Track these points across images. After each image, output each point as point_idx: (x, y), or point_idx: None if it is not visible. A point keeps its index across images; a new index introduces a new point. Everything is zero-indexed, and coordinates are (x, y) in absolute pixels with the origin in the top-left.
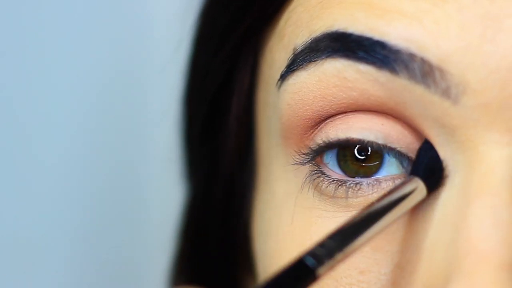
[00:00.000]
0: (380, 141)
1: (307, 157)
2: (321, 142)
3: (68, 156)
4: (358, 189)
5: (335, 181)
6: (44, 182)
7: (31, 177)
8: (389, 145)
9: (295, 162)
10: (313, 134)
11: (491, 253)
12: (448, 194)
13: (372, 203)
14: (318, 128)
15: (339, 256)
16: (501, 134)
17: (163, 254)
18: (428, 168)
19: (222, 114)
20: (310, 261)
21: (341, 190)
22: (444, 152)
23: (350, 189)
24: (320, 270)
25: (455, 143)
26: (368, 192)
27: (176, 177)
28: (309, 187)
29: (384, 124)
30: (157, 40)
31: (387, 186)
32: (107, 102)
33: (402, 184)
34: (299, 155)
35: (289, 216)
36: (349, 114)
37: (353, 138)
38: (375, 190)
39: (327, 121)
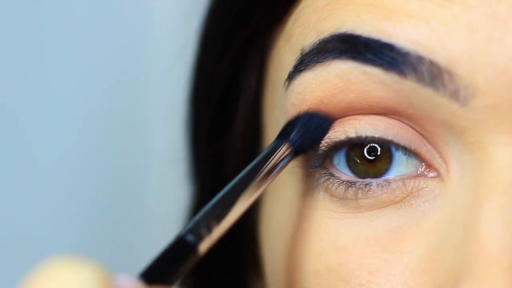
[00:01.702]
0: (390, 138)
1: (316, 160)
2: (330, 142)
3: (71, 157)
4: (368, 190)
5: (344, 183)
6: (47, 182)
7: (32, 178)
8: (395, 140)
9: (304, 164)
10: None
11: (502, 254)
12: (457, 194)
13: (241, 172)
14: None
15: (216, 229)
16: (510, 135)
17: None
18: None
19: (228, 115)
20: (190, 238)
21: (351, 191)
22: (451, 152)
23: (360, 190)
24: (202, 246)
25: (464, 144)
26: (378, 192)
27: (181, 178)
28: (319, 189)
29: (389, 123)
30: (161, 41)
31: (396, 186)
32: (110, 103)
33: (268, 148)
34: (308, 157)
35: (298, 218)
36: (352, 116)
37: (360, 136)
38: (385, 190)
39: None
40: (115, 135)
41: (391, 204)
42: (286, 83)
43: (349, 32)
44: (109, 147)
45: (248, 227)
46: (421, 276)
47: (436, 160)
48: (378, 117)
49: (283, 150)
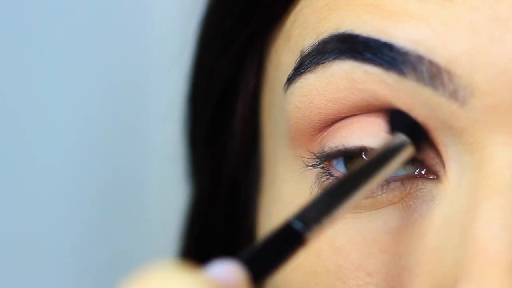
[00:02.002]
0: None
1: (317, 160)
2: (335, 148)
3: (71, 156)
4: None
5: (338, 178)
6: (47, 182)
7: (32, 177)
8: None
9: (304, 164)
10: (323, 137)
11: (500, 255)
12: (455, 195)
13: (357, 166)
14: (329, 132)
15: (326, 220)
16: (509, 136)
17: (167, 255)
18: (407, 125)
19: (227, 115)
20: (298, 225)
21: None
22: (450, 152)
23: None
24: (308, 235)
25: (463, 144)
26: (377, 193)
27: (179, 178)
28: (318, 188)
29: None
30: (160, 41)
31: (395, 186)
32: (110, 103)
33: (388, 142)
34: (308, 158)
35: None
36: (357, 116)
37: (365, 147)
38: (384, 190)
39: (339, 122)
40: (115, 134)
41: (389, 205)
42: (286, 85)
43: (348, 32)
44: (109, 147)
45: (246, 227)
46: (419, 277)
47: (435, 162)
48: (381, 118)
49: (403, 147)
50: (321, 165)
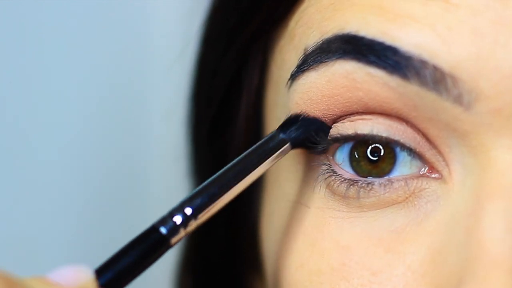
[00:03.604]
0: (396, 138)
1: (319, 155)
2: (333, 134)
3: (72, 156)
4: (370, 189)
5: (346, 180)
6: (48, 182)
7: (32, 177)
8: (401, 141)
9: (307, 161)
10: None
11: (503, 257)
12: (460, 196)
13: (230, 163)
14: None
15: (193, 224)
16: None
17: (168, 254)
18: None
19: (230, 113)
20: (163, 230)
21: (353, 190)
22: (454, 155)
23: (361, 189)
24: (173, 239)
25: (466, 147)
26: (380, 192)
27: (181, 176)
28: (320, 186)
29: (396, 124)
30: (162, 40)
31: (399, 186)
32: (111, 101)
33: (264, 139)
34: (309, 155)
35: (300, 216)
36: (357, 115)
37: (365, 134)
38: (387, 190)
39: (338, 120)
40: (116, 133)
41: (393, 204)
42: (289, 83)
43: (353, 33)
44: (111, 145)
45: (249, 226)
46: (423, 277)
47: (439, 163)
48: (385, 117)
49: (277, 143)
50: (324, 161)
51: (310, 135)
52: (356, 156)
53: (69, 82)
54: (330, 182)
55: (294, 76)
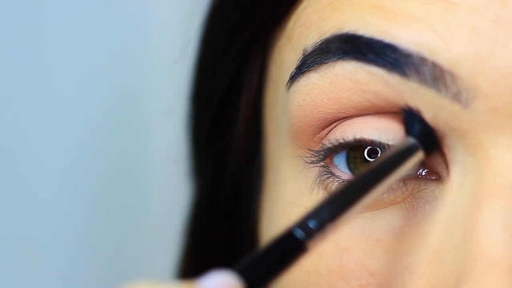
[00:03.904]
0: (391, 143)
1: (318, 156)
2: (335, 142)
3: (72, 156)
4: None
5: (345, 182)
6: (48, 182)
7: (32, 177)
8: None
9: (305, 162)
10: (325, 134)
11: (502, 257)
12: (458, 196)
13: (364, 170)
14: (331, 129)
15: (330, 227)
16: (511, 138)
17: (169, 255)
18: (421, 130)
19: (230, 113)
20: (299, 233)
21: None
22: (452, 154)
23: None
24: (310, 243)
25: (465, 146)
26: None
27: (182, 177)
28: (319, 187)
29: (393, 126)
30: (161, 40)
31: (397, 186)
32: (111, 102)
33: (398, 146)
34: (309, 155)
35: (298, 216)
36: (362, 117)
37: (365, 139)
38: (386, 191)
39: (340, 122)
40: (116, 134)
41: (392, 205)
42: (288, 84)
43: (352, 32)
44: (111, 146)
45: (248, 227)
46: (421, 278)
47: (438, 164)
48: (383, 119)
49: (410, 153)
50: (322, 163)
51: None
52: (354, 158)
53: (68, 82)
54: (328, 184)
55: (294, 77)
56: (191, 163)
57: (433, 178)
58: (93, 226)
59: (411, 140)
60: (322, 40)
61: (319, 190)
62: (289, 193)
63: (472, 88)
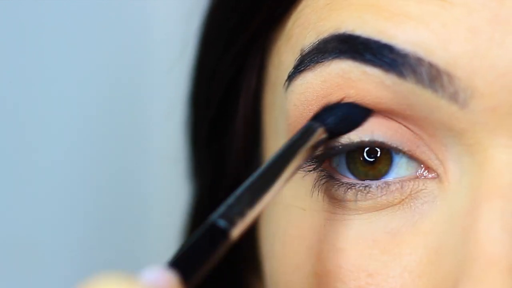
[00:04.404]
0: (390, 142)
1: (315, 164)
2: (329, 148)
3: (72, 157)
4: (367, 192)
5: (344, 185)
6: (48, 182)
7: (32, 178)
8: (398, 146)
9: (302, 169)
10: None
11: (500, 257)
12: (456, 196)
13: (272, 156)
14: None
15: (250, 213)
16: (509, 138)
17: (168, 255)
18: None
19: (229, 115)
20: (222, 223)
21: (350, 193)
22: (450, 154)
23: (359, 192)
24: (234, 231)
25: (463, 146)
26: (377, 194)
27: (181, 178)
28: (318, 190)
29: (389, 126)
30: (161, 41)
31: (395, 188)
32: (111, 103)
33: (298, 132)
34: (306, 164)
35: (297, 218)
36: None
37: (364, 141)
38: (384, 192)
39: None
40: (116, 134)
41: (389, 206)
42: (286, 84)
43: (349, 32)
44: (110, 147)
45: (247, 227)
46: (420, 278)
47: (434, 162)
48: (378, 119)
49: (317, 132)
50: (320, 167)
51: (346, 119)
52: (353, 159)
53: (68, 82)
54: (327, 187)
55: (291, 77)
56: (190, 164)
57: (432, 176)
58: (92, 226)
59: (309, 123)
60: (320, 40)
61: (319, 193)
62: (288, 195)
63: (469, 88)
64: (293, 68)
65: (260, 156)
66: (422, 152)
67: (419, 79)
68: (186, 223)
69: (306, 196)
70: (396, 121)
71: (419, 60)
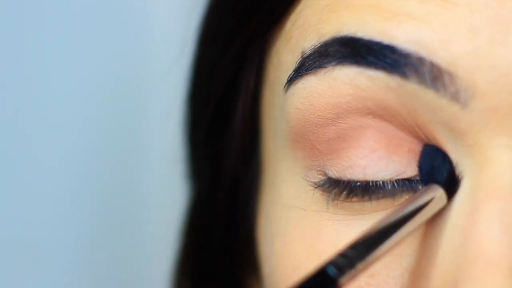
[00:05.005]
0: (390, 177)
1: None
2: (336, 175)
3: (71, 157)
4: (371, 193)
5: (347, 185)
6: (47, 182)
7: (32, 177)
8: (399, 174)
9: (304, 166)
10: (325, 161)
11: (500, 258)
12: (456, 197)
13: (393, 212)
14: (331, 156)
15: (360, 265)
16: (509, 138)
17: (166, 255)
18: (446, 173)
19: (227, 115)
20: (331, 271)
21: (352, 194)
22: (454, 156)
23: (363, 193)
24: (342, 280)
25: (464, 147)
26: (379, 195)
27: (179, 178)
28: (318, 191)
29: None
30: (160, 41)
31: (397, 188)
32: (109, 103)
33: (422, 192)
34: (311, 180)
35: (297, 218)
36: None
37: (365, 180)
38: (387, 192)
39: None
40: (115, 134)
41: (392, 207)
42: (286, 86)
43: (350, 35)
44: (109, 147)
45: (246, 228)
46: (420, 279)
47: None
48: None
49: (436, 196)
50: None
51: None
52: None
53: (67, 82)
54: (329, 188)
55: (292, 80)
56: (188, 164)
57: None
58: (92, 226)
59: (435, 187)
60: (321, 43)
61: (320, 193)
62: (287, 195)
63: (471, 88)
64: (294, 71)
65: (258, 156)
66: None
67: (421, 79)
68: (184, 224)
69: (307, 197)
70: (402, 130)
71: (421, 60)
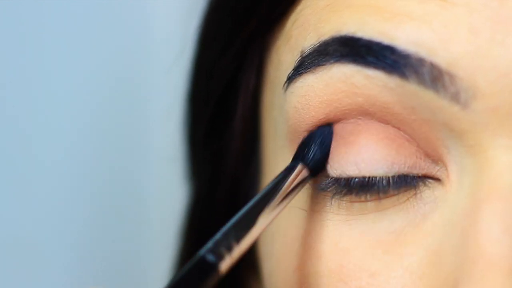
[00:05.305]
0: (390, 174)
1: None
2: (335, 176)
3: (71, 157)
4: (372, 193)
5: (348, 186)
6: (47, 182)
7: (32, 177)
8: (400, 173)
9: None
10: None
11: (501, 258)
12: (457, 197)
13: (259, 193)
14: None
15: (236, 248)
16: (510, 139)
17: (165, 255)
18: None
19: (227, 114)
20: (211, 257)
21: (354, 194)
22: (451, 155)
23: (364, 193)
24: (222, 265)
25: (464, 147)
26: (381, 195)
27: (179, 178)
28: (318, 191)
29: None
30: (161, 41)
31: (400, 188)
32: (109, 103)
33: (283, 170)
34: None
35: (298, 219)
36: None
37: (364, 176)
38: (388, 192)
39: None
40: (115, 134)
41: (393, 206)
42: (286, 85)
43: (350, 35)
44: (109, 146)
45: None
46: (421, 279)
47: (437, 171)
48: (377, 132)
49: (298, 170)
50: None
51: (322, 152)
52: None
53: (67, 82)
54: (330, 188)
55: (291, 79)
56: (188, 164)
57: (433, 179)
58: (91, 226)
59: (296, 162)
60: (321, 43)
61: (320, 193)
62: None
63: (471, 88)
64: (293, 69)
65: (258, 155)
66: (427, 166)
67: (421, 80)
68: (184, 223)
69: (308, 197)
70: (402, 130)
71: (421, 61)
